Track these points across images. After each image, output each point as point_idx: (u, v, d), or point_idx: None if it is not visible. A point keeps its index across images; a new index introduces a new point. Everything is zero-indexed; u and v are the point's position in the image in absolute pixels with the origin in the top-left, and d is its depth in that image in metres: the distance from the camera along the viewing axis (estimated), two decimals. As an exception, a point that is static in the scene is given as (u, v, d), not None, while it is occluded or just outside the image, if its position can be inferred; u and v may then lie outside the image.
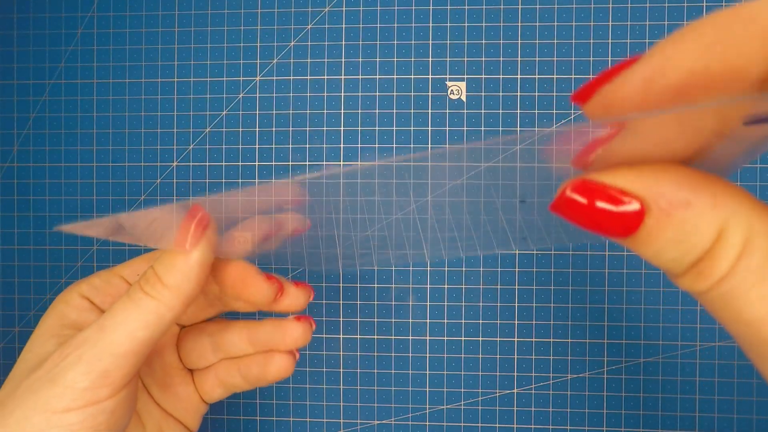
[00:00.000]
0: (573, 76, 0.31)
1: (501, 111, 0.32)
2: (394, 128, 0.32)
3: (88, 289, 0.23)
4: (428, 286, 0.32)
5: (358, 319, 0.32)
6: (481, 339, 0.32)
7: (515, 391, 0.31)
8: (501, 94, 0.31)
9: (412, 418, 0.32)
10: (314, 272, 0.32)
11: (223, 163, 0.32)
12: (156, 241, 0.20)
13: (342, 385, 0.32)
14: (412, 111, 0.32)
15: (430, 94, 0.32)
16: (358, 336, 0.32)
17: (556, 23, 0.31)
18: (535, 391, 0.31)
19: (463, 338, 0.32)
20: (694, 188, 0.12)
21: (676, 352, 0.31)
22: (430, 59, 0.32)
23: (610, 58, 0.31)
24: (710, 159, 0.14)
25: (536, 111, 0.31)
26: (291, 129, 0.32)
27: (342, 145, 0.32)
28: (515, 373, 0.31)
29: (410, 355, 0.32)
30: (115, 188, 0.33)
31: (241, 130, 0.32)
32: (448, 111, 0.32)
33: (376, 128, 0.32)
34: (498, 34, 0.31)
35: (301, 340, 0.25)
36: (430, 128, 0.32)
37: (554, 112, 0.31)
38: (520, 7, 0.31)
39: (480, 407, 0.32)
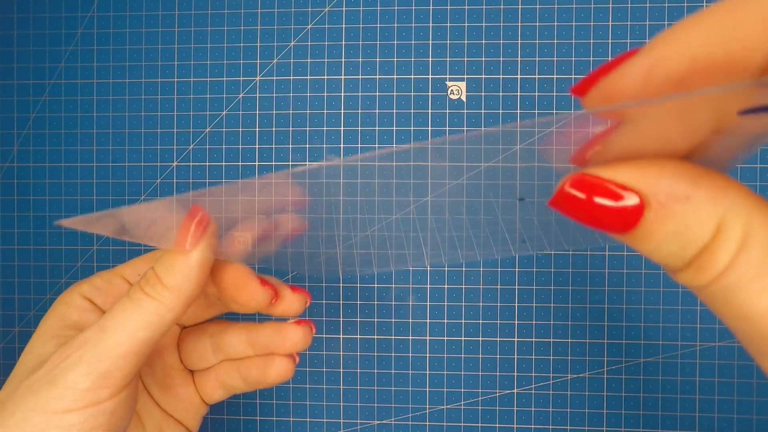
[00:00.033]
0: (573, 76, 0.31)
1: (501, 111, 0.31)
2: (394, 128, 0.32)
3: (89, 289, 0.23)
4: (428, 286, 0.32)
5: (358, 319, 0.32)
6: (481, 339, 0.32)
7: (515, 391, 0.32)
8: (501, 94, 0.31)
9: (412, 418, 0.32)
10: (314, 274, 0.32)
11: (223, 163, 0.32)
12: (156, 241, 0.20)
13: (342, 385, 0.32)
14: (412, 111, 0.32)
15: (430, 94, 0.32)
16: (358, 336, 0.32)
17: (556, 23, 0.31)
18: (535, 391, 0.31)
19: (463, 338, 0.32)
20: (693, 182, 0.12)
21: (676, 352, 0.31)
22: (430, 59, 0.32)
23: (610, 59, 0.31)
24: (708, 156, 0.14)
25: (536, 111, 0.31)
26: (291, 129, 0.32)
27: (342, 146, 0.32)
28: (515, 373, 0.32)
29: (410, 355, 0.32)
30: (115, 188, 0.33)
31: (241, 130, 0.32)
32: (448, 111, 0.32)
33: (376, 128, 0.32)
34: (498, 34, 0.31)
35: (300, 344, 0.25)
36: (430, 128, 0.32)
37: (554, 112, 0.31)
38: (520, 7, 0.31)
39: (480, 407, 0.32)
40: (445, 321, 0.32)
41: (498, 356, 0.32)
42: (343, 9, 0.32)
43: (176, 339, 0.26)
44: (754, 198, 0.12)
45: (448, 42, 0.32)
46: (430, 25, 0.32)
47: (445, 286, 0.32)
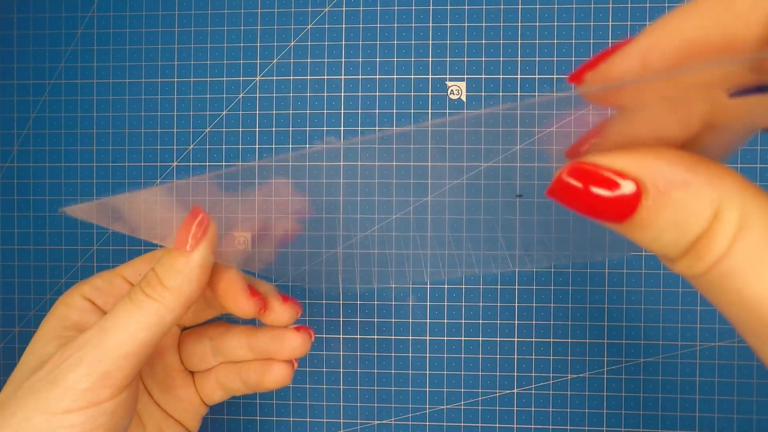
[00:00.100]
0: (573, 76, 0.31)
1: (501, 111, 0.31)
2: (394, 128, 0.32)
3: (90, 290, 0.23)
4: (428, 286, 0.32)
5: (358, 319, 0.32)
6: (481, 339, 0.32)
7: (515, 391, 0.32)
8: (501, 94, 0.31)
9: (412, 418, 0.32)
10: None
11: (223, 163, 0.32)
12: (155, 233, 0.20)
13: (342, 385, 0.32)
14: (412, 111, 0.32)
15: (430, 94, 0.32)
16: (358, 336, 0.32)
17: (556, 23, 0.31)
18: (535, 391, 0.31)
19: (463, 338, 0.32)
20: (690, 169, 0.12)
21: (676, 352, 0.31)
22: (430, 59, 0.32)
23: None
24: (701, 150, 0.14)
25: (536, 111, 0.31)
26: (291, 129, 0.32)
27: (342, 146, 0.32)
28: (515, 373, 0.32)
29: (410, 355, 0.32)
30: (115, 188, 0.33)
31: (241, 130, 0.32)
32: (448, 111, 0.32)
33: (376, 128, 0.32)
34: (498, 34, 0.31)
35: (299, 351, 0.25)
36: (430, 128, 0.32)
37: (554, 112, 0.31)
38: (520, 7, 0.31)
39: (480, 407, 0.32)
40: (445, 321, 0.32)
41: (498, 356, 0.32)
42: (343, 9, 0.32)
43: (177, 340, 0.26)
44: (749, 184, 0.12)
45: (448, 42, 0.32)
46: (430, 25, 0.32)
47: (445, 286, 0.32)
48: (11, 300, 0.33)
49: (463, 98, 0.32)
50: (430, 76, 0.32)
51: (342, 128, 0.32)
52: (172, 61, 0.32)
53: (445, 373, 0.32)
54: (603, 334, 0.31)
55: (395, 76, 0.32)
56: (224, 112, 0.32)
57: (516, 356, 0.32)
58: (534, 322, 0.31)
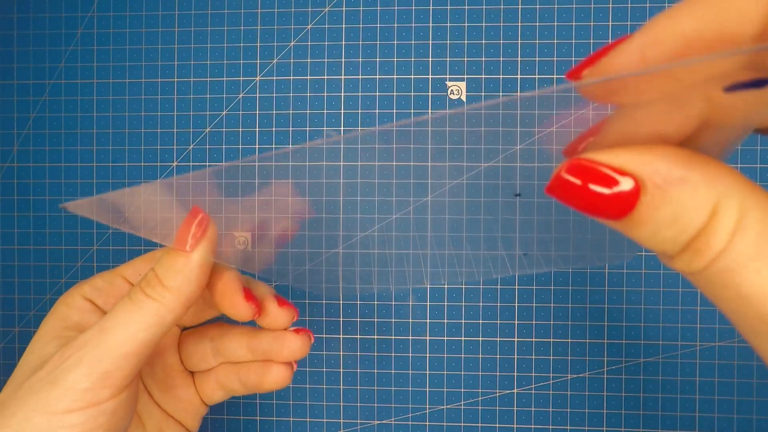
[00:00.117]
0: (573, 76, 0.31)
1: (501, 111, 0.31)
2: (394, 128, 0.32)
3: (90, 290, 0.23)
4: (428, 286, 0.32)
5: (358, 319, 0.32)
6: (481, 339, 0.32)
7: (515, 391, 0.32)
8: (501, 94, 0.31)
9: (412, 418, 0.32)
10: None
11: (223, 163, 0.32)
12: (155, 235, 0.20)
13: (342, 385, 0.32)
14: (412, 111, 0.32)
15: (430, 94, 0.32)
16: (358, 336, 0.32)
17: (556, 23, 0.31)
18: (535, 391, 0.31)
19: (463, 338, 0.32)
20: (688, 165, 0.12)
21: (676, 352, 0.31)
22: (430, 59, 0.32)
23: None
24: (699, 149, 0.14)
25: (536, 111, 0.31)
26: (291, 129, 0.32)
27: (342, 146, 0.32)
28: (515, 373, 0.32)
29: (410, 355, 0.32)
30: (115, 188, 0.33)
31: (241, 130, 0.32)
32: (447, 111, 0.32)
33: (376, 128, 0.32)
34: (498, 34, 0.31)
35: (298, 353, 0.25)
36: (430, 128, 0.32)
37: (554, 112, 0.31)
38: (520, 7, 0.31)
39: (480, 407, 0.32)
40: (445, 321, 0.32)
41: (498, 356, 0.32)
42: (343, 9, 0.32)
43: (177, 340, 0.26)
44: (747, 181, 0.12)
45: (448, 42, 0.32)
46: (430, 25, 0.32)
47: (445, 286, 0.32)
48: (11, 300, 0.33)
49: (463, 98, 0.32)
50: (430, 76, 0.32)
51: (342, 128, 0.32)
52: (172, 61, 0.32)
53: (445, 373, 0.32)
54: (603, 334, 0.31)
55: (395, 76, 0.32)
56: (224, 112, 0.32)
57: (516, 356, 0.32)
58: (534, 322, 0.31)
